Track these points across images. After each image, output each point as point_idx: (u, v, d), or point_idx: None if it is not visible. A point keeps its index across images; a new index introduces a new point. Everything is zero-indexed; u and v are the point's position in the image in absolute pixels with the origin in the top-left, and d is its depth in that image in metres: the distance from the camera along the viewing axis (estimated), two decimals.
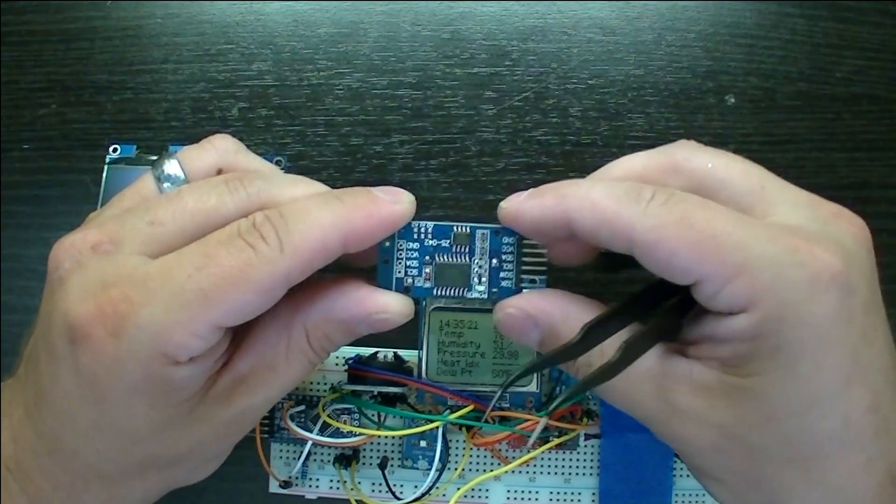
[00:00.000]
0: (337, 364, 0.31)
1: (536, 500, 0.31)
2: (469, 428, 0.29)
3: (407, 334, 0.31)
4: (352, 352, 0.30)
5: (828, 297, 0.20)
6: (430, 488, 0.29)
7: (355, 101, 0.32)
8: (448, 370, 0.29)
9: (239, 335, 0.24)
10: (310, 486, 0.31)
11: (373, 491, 0.31)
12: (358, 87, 0.32)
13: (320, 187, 0.24)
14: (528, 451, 0.30)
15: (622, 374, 0.22)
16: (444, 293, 0.25)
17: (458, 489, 0.30)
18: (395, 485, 0.30)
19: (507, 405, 0.29)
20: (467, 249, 0.24)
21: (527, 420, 0.29)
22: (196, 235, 0.22)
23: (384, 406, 0.29)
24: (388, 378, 0.29)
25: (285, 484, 0.30)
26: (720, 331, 0.21)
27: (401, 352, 0.30)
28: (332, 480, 0.31)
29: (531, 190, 0.23)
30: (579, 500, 0.31)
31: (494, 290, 0.24)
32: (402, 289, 0.25)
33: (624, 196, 0.21)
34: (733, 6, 0.33)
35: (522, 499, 0.31)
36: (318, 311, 0.24)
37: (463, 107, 0.32)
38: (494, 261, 0.24)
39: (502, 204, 0.23)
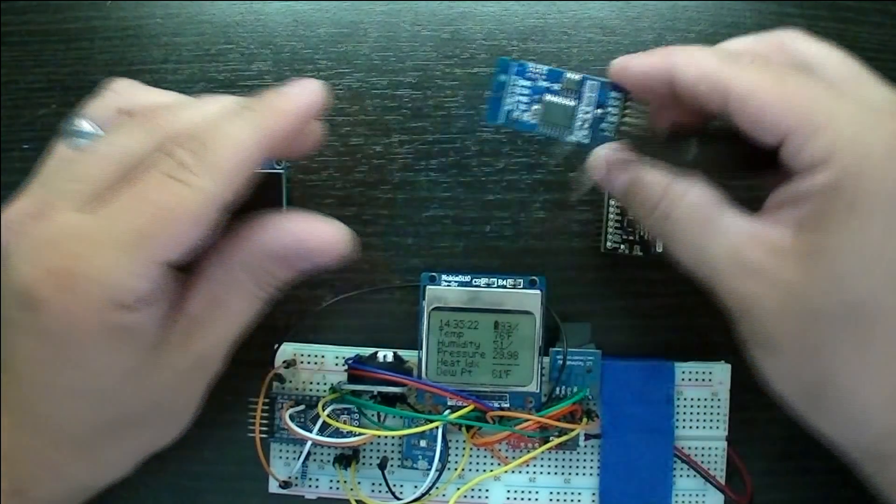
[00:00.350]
0: (337, 364, 0.31)
1: (536, 500, 0.31)
2: (469, 428, 0.29)
3: (407, 334, 0.31)
4: (352, 352, 0.30)
5: None
6: (430, 488, 0.29)
7: (355, 101, 0.32)
8: (448, 370, 0.29)
9: (189, 278, 0.24)
10: (310, 486, 0.31)
11: (373, 491, 0.31)
12: (358, 87, 0.32)
13: (228, 101, 0.25)
14: (529, 451, 0.30)
15: (702, 226, 0.23)
16: (546, 131, 0.26)
17: (458, 489, 0.30)
18: (394, 485, 0.30)
19: (507, 405, 0.29)
20: (576, 96, 0.26)
21: (526, 420, 0.29)
22: (121, 181, 0.23)
23: (384, 406, 0.29)
24: (388, 378, 0.29)
25: (285, 484, 0.30)
26: (801, 189, 0.22)
27: (401, 352, 0.30)
28: (331, 480, 0.31)
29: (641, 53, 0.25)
30: (579, 500, 0.31)
31: (594, 135, 0.26)
32: (509, 121, 0.26)
33: (726, 57, 0.23)
34: (733, 6, 0.33)
35: (522, 499, 0.31)
36: (253, 246, 0.24)
37: (463, 107, 0.32)
38: (599, 110, 0.26)
39: (614, 61, 0.25)
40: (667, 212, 0.24)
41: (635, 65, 0.25)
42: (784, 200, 0.23)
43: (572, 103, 0.26)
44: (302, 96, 0.24)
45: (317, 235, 0.25)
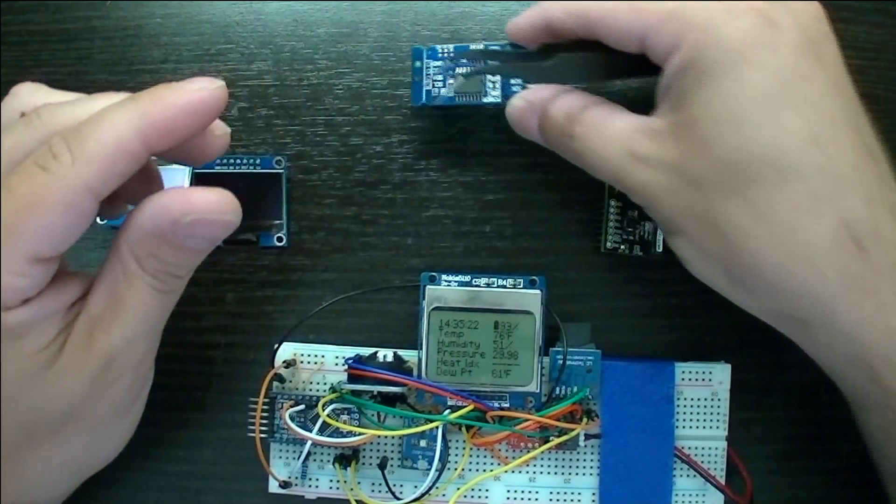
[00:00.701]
0: (337, 364, 0.31)
1: (536, 500, 0.31)
2: (469, 428, 0.29)
3: (407, 334, 0.31)
4: (352, 352, 0.30)
5: (744, 21, 0.23)
6: (430, 488, 0.29)
7: (355, 101, 0.32)
8: (448, 370, 0.29)
9: (94, 275, 0.24)
10: (309, 486, 0.31)
11: (373, 491, 0.31)
12: (358, 87, 0.32)
13: (120, 96, 0.24)
14: (529, 451, 0.30)
15: (598, 133, 0.25)
16: (464, 101, 0.29)
17: (458, 489, 0.30)
18: (394, 485, 0.30)
19: (507, 405, 0.29)
20: (483, 63, 0.28)
21: (526, 420, 0.29)
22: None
23: (384, 406, 0.29)
24: (388, 378, 0.29)
25: (285, 484, 0.30)
26: (665, 78, 0.24)
27: (401, 352, 0.30)
28: (331, 480, 0.31)
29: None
30: (579, 500, 0.31)
31: (504, 93, 0.29)
32: (430, 99, 0.29)
33: None
34: None
35: (522, 499, 0.31)
36: (133, 227, 0.23)
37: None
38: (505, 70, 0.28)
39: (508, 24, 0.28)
40: (571, 132, 0.26)
41: (521, 20, 0.27)
42: (659, 93, 0.25)
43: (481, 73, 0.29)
44: (190, 91, 0.23)
45: (194, 206, 0.23)
